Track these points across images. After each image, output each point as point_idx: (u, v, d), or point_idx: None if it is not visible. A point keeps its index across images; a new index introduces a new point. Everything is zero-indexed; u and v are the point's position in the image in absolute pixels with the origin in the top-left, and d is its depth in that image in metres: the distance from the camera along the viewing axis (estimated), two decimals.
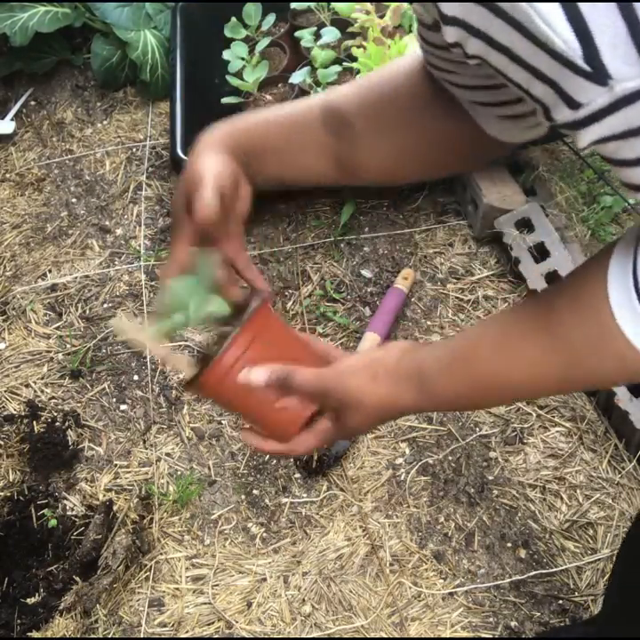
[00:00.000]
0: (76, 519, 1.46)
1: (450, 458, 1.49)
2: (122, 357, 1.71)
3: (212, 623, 1.35)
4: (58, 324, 1.80)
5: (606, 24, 0.46)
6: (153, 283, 1.85)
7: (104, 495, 1.49)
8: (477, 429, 1.52)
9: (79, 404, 1.64)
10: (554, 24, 0.47)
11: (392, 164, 0.83)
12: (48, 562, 1.41)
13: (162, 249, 1.92)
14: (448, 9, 0.53)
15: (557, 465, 1.47)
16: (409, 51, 0.84)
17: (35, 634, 1.32)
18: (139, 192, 2.06)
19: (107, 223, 2.01)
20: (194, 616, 1.35)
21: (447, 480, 1.47)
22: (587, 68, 0.48)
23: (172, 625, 1.35)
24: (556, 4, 0.47)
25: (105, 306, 1.82)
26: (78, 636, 1.32)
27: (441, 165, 0.94)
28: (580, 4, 0.47)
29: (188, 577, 1.40)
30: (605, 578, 1.33)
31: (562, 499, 1.43)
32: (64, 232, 2.00)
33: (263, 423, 0.81)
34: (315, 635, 1.31)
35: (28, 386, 1.68)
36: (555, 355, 0.64)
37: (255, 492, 1.49)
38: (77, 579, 1.36)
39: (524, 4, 0.47)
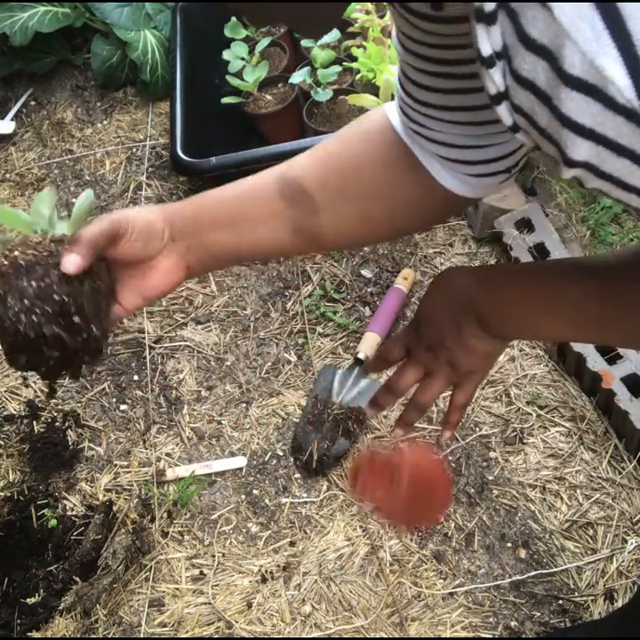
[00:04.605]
0: (76, 519, 1.46)
1: (450, 458, 1.49)
2: (122, 357, 1.71)
3: (212, 623, 1.35)
4: None
5: None
6: None
7: (104, 495, 1.49)
8: (477, 429, 1.52)
9: (79, 404, 1.64)
10: None
11: (355, 232, 0.82)
12: (48, 562, 1.41)
13: None
14: (579, 155, 0.48)
15: (557, 465, 1.47)
16: (374, 113, 0.81)
17: (35, 634, 1.32)
18: (139, 192, 2.06)
19: None
20: (194, 616, 1.35)
21: None
22: None
23: (172, 625, 1.35)
24: None
25: None
26: (78, 636, 1.32)
27: (409, 227, 0.95)
28: None
29: (188, 577, 1.40)
30: (605, 578, 1.34)
31: (562, 499, 1.43)
32: None
33: None
34: (315, 635, 1.31)
35: (27, 386, 1.68)
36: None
37: (255, 492, 1.49)
38: (77, 579, 1.36)
39: None
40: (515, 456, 1.49)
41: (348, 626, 1.32)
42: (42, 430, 1.58)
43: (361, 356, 1.60)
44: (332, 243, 0.85)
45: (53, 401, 1.65)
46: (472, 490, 1.45)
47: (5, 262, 0.70)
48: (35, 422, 1.60)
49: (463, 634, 1.30)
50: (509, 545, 1.39)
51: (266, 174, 0.79)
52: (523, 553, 1.38)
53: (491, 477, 1.46)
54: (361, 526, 1.43)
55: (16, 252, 0.71)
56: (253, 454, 1.54)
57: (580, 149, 0.48)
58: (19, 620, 1.34)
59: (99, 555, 1.37)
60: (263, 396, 1.62)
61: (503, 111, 0.52)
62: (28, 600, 1.37)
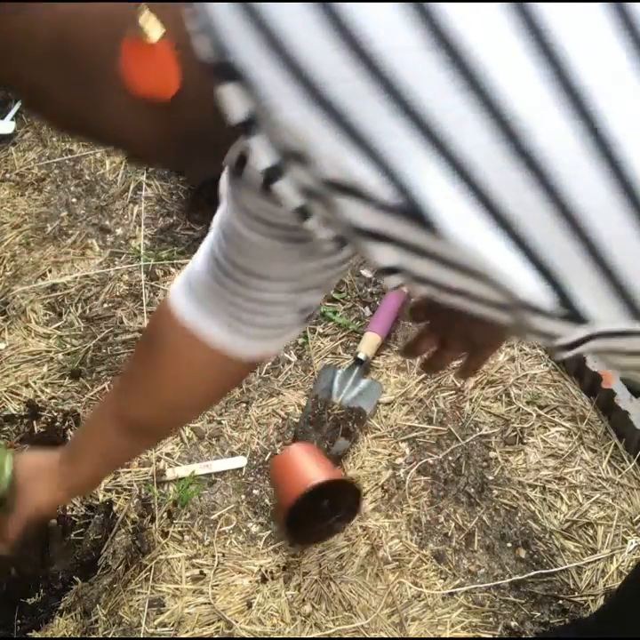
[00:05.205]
0: (76, 519, 1.46)
1: (450, 458, 1.49)
2: (122, 357, 1.71)
3: (212, 623, 1.35)
4: (58, 324, 1.80)
5: (576, 271, 0.40)
6: (153, 283, 1.85)
7: (104, 495, 1.49)
8: (477, 429, 1.52)
9: (79, 404, 1.64)
10: (515, 279, 0.40)
11: (190, 413, 0.98)
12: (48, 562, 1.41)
13: (162, 249, 1.92)
14: (385, 260, 0.45)
15: (557, 465, 1.47)
16: (163, 310, 0.84)
17: (35, 634, 1.32)
18: (139, 192, 2.06)
19: (107, 223, 2.01)
20: (194, 616, 1.35)
21: (447, 480, 1.47)
22: (560, 311, 0.42)
23: (172, 625, 1.35)
24: (514, 261, 0.40)
25: (105, 306, 1.82)
26: (78, 636, 1.32)
27: (231, 388, 1.18)
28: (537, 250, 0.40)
29: (188, 577, 1.40)
30: (605, 578, 1.34)
31: (562, 499, 1.43)
32: (64, 232, 2.00)
33: None
34: (315, 635, 1.31)
35: (28, 386, 1.68)
36: None
37: (255, 492, 1.49)
38: (77, 579, 1.36)
39: (473, 254, 0.40)
40: (515, 456, 1.49)
41: (348, 626, 1.32)
42: (42, 430, 1.58)
43: (361, 356, 1.60)
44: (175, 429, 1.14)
45: (53, 401, 1.65)
46: (472, 490, 1.45)
47: None
48: (35, 422, 1.60)
49: (463, 634, 1.30)
50: (509, 545, 1.39)
51: (106, 414, 0.91)
52: (523, 553, 1.38)
53: (491, 477, 1.46)
54: (361, 526, 1.43)
55: None
56: (253, 454, 1.54)
57: (383, 254, 0.44)
58: (19, 620, 1.34)
59: (99, 555, 1.37)
60: (263, 395, 1.62)
61: (313, 226, 0.48)
62: (28, 600, 1.37)
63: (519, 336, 0.47)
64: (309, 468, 1.37)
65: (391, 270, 0.46)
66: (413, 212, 0.39)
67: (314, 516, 1.38)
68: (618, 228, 0.38)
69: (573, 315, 0.41)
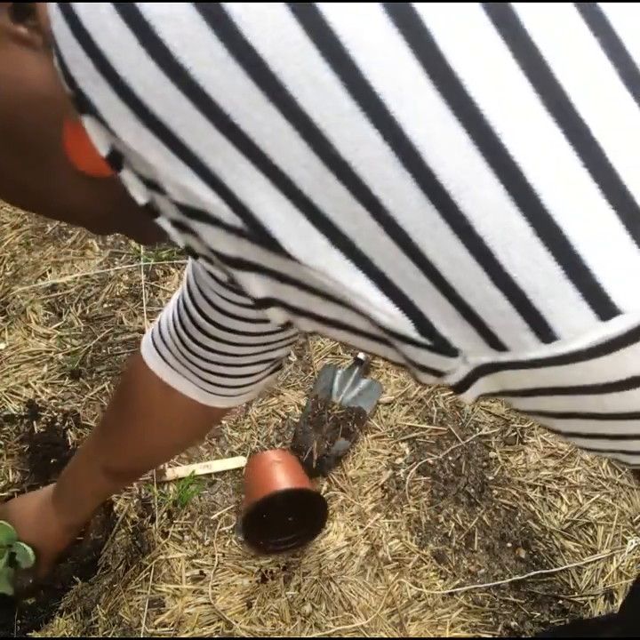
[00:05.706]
0: None
1: (450, 458, 1.49)
2: (122, 357, 1.71)
3: (212, 623, 1.35)
4: (58, 324, 1.80)
5: (419, 292, 0.38)
6: (153, 283, 1.85)
7: None
8: (477, 429, 1.52)
9: (79, 404, 1.64)
10: (372, 302, 0.39)
11: (169, 453, 1.19)
12: None
13: (162, 249, 1.92)
14: (257, 291, 0.43)
15: (557, 465, 1.47)
16: (135, 362, 0.89)
17: (35, 634, 1.32)
18: None
19: None
20: (194, 616, 1.35)
21: (447, 480, 1.47)
22: (425, 340, 0.39)
23: (172, 625, 1.35)
24: (368, 283, 0.38)
25: (105, 306, 1.82)
26: (78, 636, 1.32)
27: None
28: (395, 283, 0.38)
29: (187, 577, 1.40)
30: (605, 578, 1.34)
31: (562, 499, 1.43)
32: (64, 232, 2.00)
33: None
34: (315, 635, 1.31)
35: (28, 386, 1.68)
36: None
37: None
38: (77, 579, 1.36)
39: (330, 282, 0.39)
40: (515, 456, 1.49)
41: (348, 626, 1.32)
42: (42, 430, 1.58)
43: (361, 356, 1.60)
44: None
45: (53, 401, 1.65)
46: (472, 490, 1.45)
47: None
48: (35, 422, 1.60)
49: (463, 634, 1.30)
50: (509, 545, 1.39)
51: (92, 464, 1.03)
52: (523, 553, 1.38)
53: (491, 477, 1.46)
54: (361, 526, 1.43)
55: None
56: (253, 454, 1.54)
57: (253, 284, 0.43)
58: (19, 620, 1.34)
59: (99, 555, 1.37)
60: (263, 395, 1.62)
61: (202, 263, 0.48)
62: (28, 600, 1.37)
63: (413, 376, 0.44)
64: (278, 475, 1.38)
65: (268, 302, 0.44)
66: (254, 232, 0.38)
67: (276, 527, 1.38)
68: (438, 241, 0.36)
69: (441, 345, 0.39)
